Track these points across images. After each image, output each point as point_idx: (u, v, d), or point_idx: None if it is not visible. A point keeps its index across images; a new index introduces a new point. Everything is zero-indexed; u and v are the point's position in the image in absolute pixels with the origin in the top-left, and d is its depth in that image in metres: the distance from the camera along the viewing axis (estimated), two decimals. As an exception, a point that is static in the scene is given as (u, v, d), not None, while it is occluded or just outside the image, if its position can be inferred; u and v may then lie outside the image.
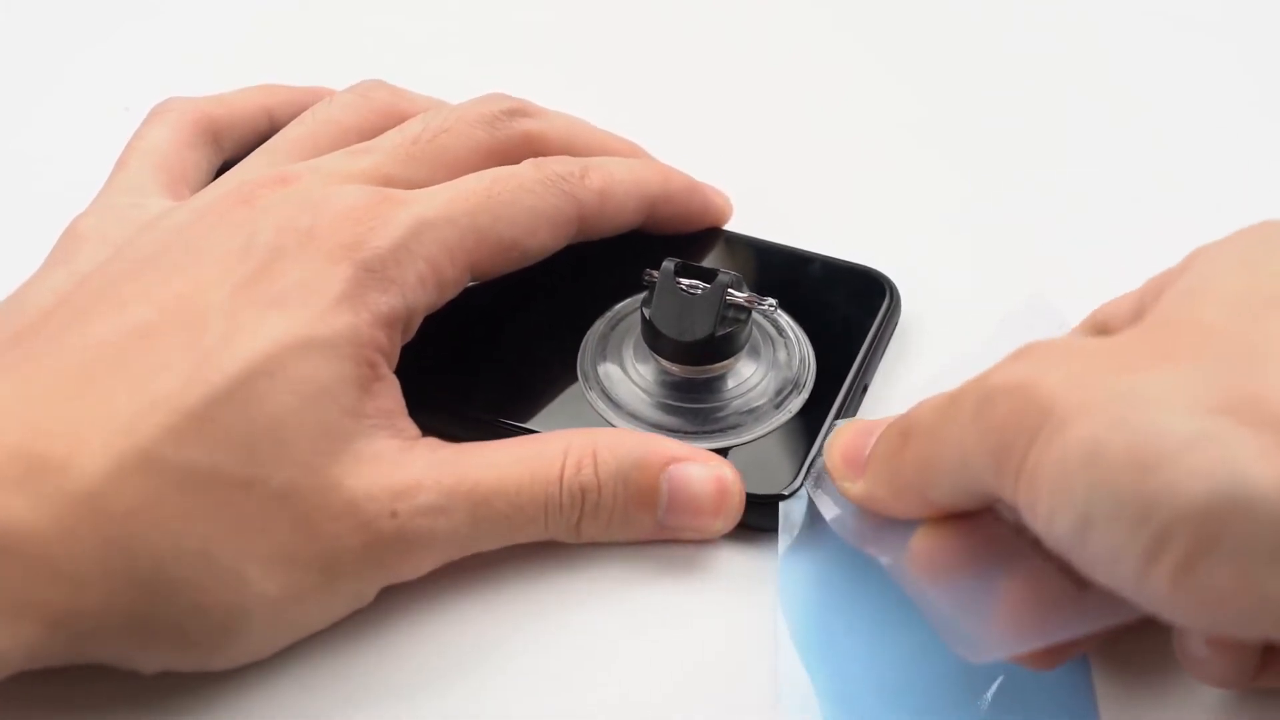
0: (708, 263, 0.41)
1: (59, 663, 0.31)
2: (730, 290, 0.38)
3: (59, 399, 0.31)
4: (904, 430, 0.32)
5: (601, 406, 0.39)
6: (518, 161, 0.38)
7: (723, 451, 0.38)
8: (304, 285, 0.33)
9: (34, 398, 0.32)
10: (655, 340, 0.38)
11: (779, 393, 0.39)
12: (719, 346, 0.38)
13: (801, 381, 0.39)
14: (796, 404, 0.39)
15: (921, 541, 0.32)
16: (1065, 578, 0.30)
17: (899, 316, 0.42)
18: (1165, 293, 0.30)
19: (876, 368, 0.41)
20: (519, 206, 0.36)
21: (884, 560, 0.33)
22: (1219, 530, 0.25)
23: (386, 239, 0.34)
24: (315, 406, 0.32)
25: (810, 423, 0.38)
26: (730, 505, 0.36)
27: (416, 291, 0.35)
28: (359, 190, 0.35)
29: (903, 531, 0.33)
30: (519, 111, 0.39)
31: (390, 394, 0.34)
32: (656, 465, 0.35)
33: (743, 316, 0.38)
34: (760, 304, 0.38)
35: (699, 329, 0.38)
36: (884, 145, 0.50)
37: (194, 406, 0.31)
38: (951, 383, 0.32)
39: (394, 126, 0.39)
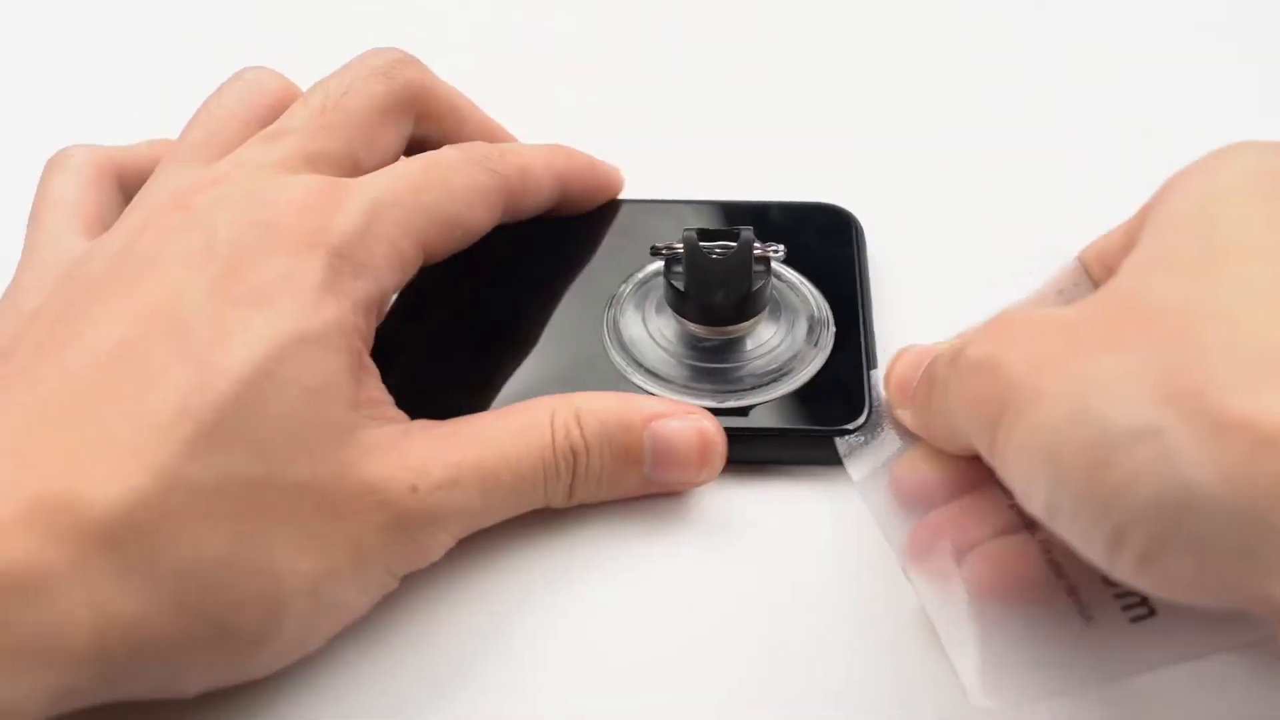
0: (672, 231, 0.42)
1: (89, 703, 0.30)
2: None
3: (49, 434, 0.30)
4: (928, 380, 0.34)
5: (652, 390, 0.39)
6: (415, 117, 0.39)
7: (791, 399, 0.38)
8: (282, 279, 0.33)
9: (21, 436, 0.30)
10: (689, 308, 0.39)
11: (811, 332, 0.40)
12: (755, 300, 0.39)
13: (823, 317, 0.40)
14: (829, 339, 0.40)
15: (901, 468, 0.35)
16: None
17: (866, 246, 0.43)
18: (1130, 254, 0.30)
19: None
20: (455, 185, 0.37)
21: (854, 476, 0.35)
22: (1171, 528, 0.25)
23: (350, 224, 0.34)
24: (318, 401, 0.32)
25: (849, 353, 0.40)
26: (714, 455, 0.36)
27: (385, 273, 0.35)
28: (304, 179, 0.35)
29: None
30: (405, 60, 0.39)
31: (375, 380, 0.34)
32: (639, 422, 0.36)
33: (761, 268, 0.39)
34: (773, 253, 0.39)
35: (737, 287, 0.38)
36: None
37: (202, 417, 0.30)
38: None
39: (286, 108, 0.38)
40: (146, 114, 0.51)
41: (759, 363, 0.39)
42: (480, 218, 0.38)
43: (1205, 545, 0.25)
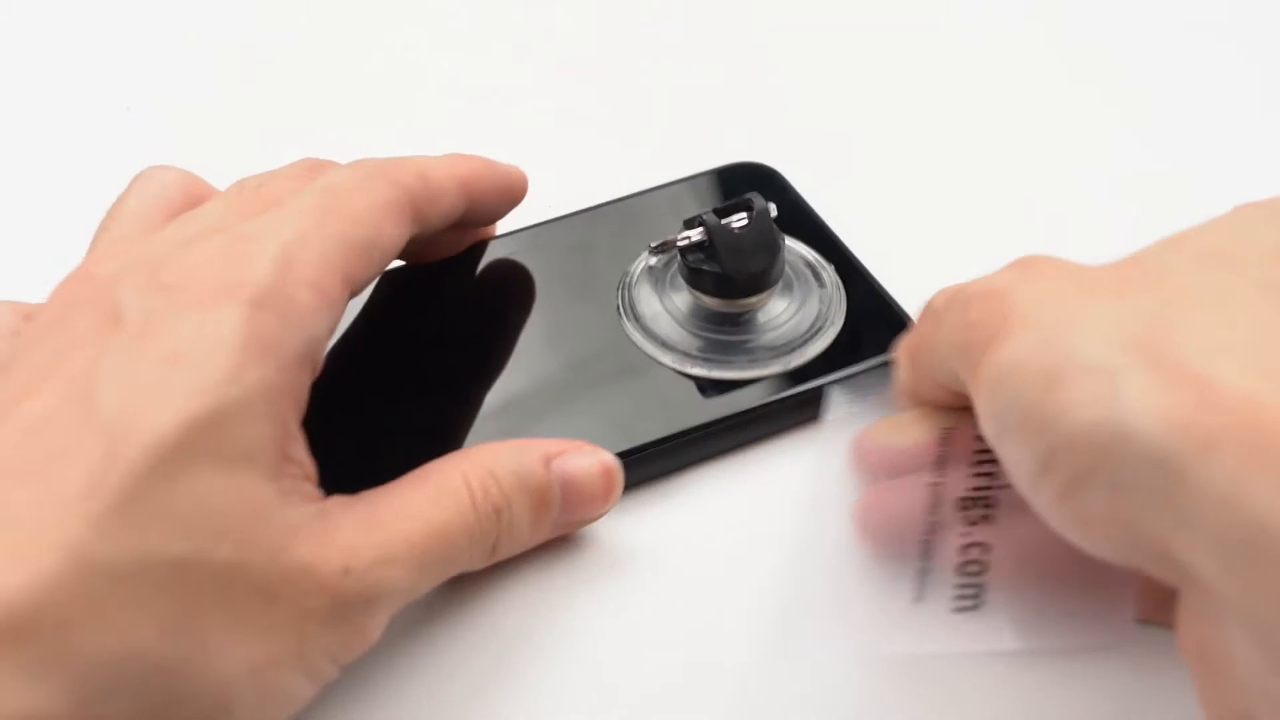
0: (626, 236, 0.43)
1: None
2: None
3: None
4: (924, 312, 0.34)
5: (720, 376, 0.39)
6: None
7: (845, 338, 0.40)
8: (198, 336, 0.30)
9: None
10: (726, 287, 0.40)
11: (817, 275, 0.42)
12: (780, 261, 0.40)
13: (816, 260, 0.42)
14: (833, 275, 0.42)
15: (872, 433, 0.34)
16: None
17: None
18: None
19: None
20: (360, 207, 0.34)
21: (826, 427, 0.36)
22: (1098, 460, 0.26)
23: (264, 268, 0.31)
24: (241, 475, 0.29)
25: (860, 283, 0.41)
26: (617, 486, 0.36)
27: (313, 319, 0.32)
28: (208, 238, 0.32)
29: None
30: (327, 163, 0.37)
31: (301, 447, 0.32)
32: (543, 465, 0.34)
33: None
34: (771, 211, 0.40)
35: (770, 250, 0.39)
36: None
37: (113, 491, 0.27)
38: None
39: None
40: (144, 113, 0.51)
41: (801, 316, 0.40)
42: (392, 234, 0.35)
43: (1125, 486, 0.26)
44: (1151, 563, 0.27)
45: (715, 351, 0.39)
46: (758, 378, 0.39)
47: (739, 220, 0.39)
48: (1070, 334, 0.27)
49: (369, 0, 0.57)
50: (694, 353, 0.39)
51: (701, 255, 0.39)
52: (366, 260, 0.34)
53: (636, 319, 0.40)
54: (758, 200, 0.39)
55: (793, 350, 0.39)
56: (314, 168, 0.36)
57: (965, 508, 0.32)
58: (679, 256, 0.40)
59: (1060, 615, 0.31)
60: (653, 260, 0.41)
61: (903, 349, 0.35)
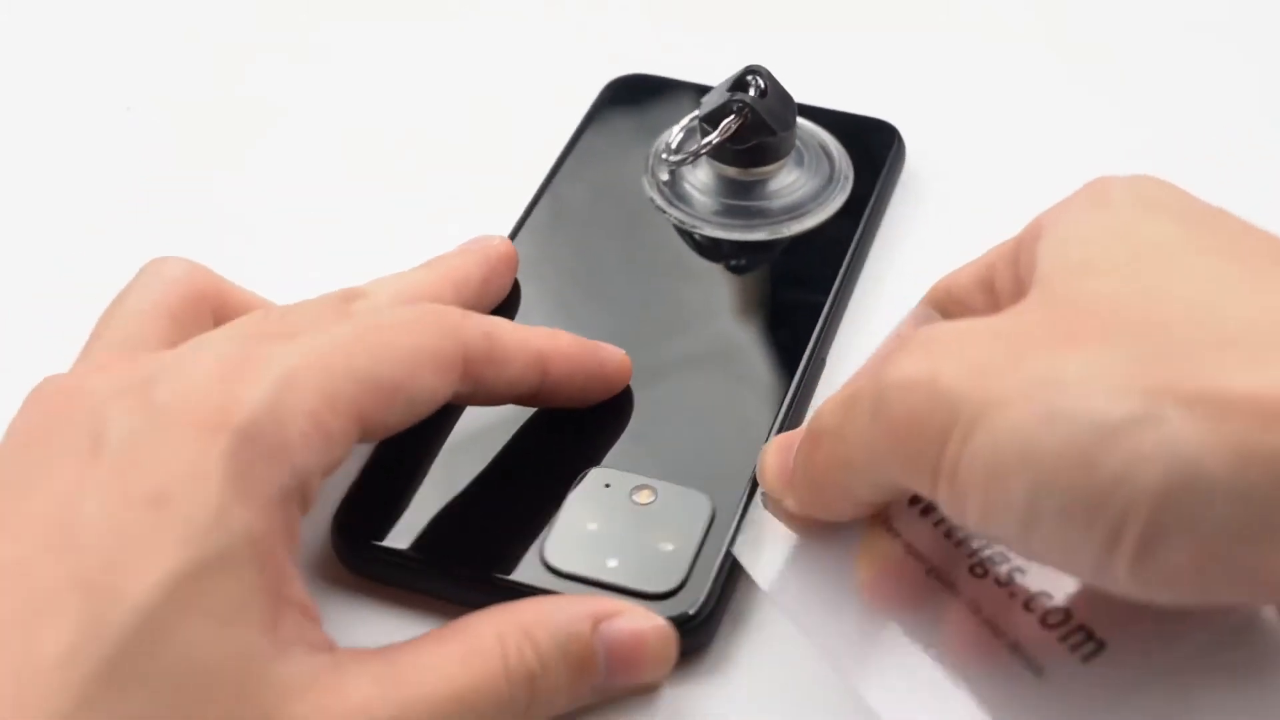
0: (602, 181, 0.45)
1: None
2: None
3: None
4: (814, 436, 0.32)
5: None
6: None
7: (861, 170, 0.45)
8: (181, 474, 0.28)
9: None
10: (771, 150, 0.43)
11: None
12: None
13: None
14: (830, 140, 0.46)
15: (868, 572, 0.32)
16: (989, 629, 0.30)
17: None
18: (1037, 266, 0.30)
19: None
20: (398, 346, 0.32)
21: (817, 645, 0.32)
22: (1174, 514, 0.25)
23: (259, 395, 0.30)
24: (232, 632, 0.28)
25: (828, 120, 0.46)
26: (669, 652, 0.33)
27: (304, 454, 0.30)
28: (208, 351, 0.31)
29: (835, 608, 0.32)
30: (361, 290, 0.36)
31: (297, 593, 0.30)
32: (588, 627, 0.32)
33: None
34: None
35: (791, 104, 0.44)
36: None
37: (100, 654, 0.26)
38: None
39: (210, 302, 0.35)
40: (144, 113, 0.51)
41: (815, 164, 0.45)
42: (430, 384, 0.33)
43: (1210, 528, 0.25)
44: (1255, 593, 0.26)
45: (771, 215, 0.43)
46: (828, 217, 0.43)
47: (756, 90, 0.42)
48: (1073, 398, 0.26)
49: (371, 2, 0.57)
50: (763, 219, 0.43)
51: (742, 137, 0.42)
52: (390, 403, 0.32)
53: (694, 215, 0.43)
54: (759, 67, 0.43)
55: (837, 186, 0.44)
56: (347, 297, 0.35)
57: (982, 574, 0.30)
58: (718, 150, 0.42)
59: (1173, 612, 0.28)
60: (665, 175, 0.44)
61: (789, 481, 0.33)
